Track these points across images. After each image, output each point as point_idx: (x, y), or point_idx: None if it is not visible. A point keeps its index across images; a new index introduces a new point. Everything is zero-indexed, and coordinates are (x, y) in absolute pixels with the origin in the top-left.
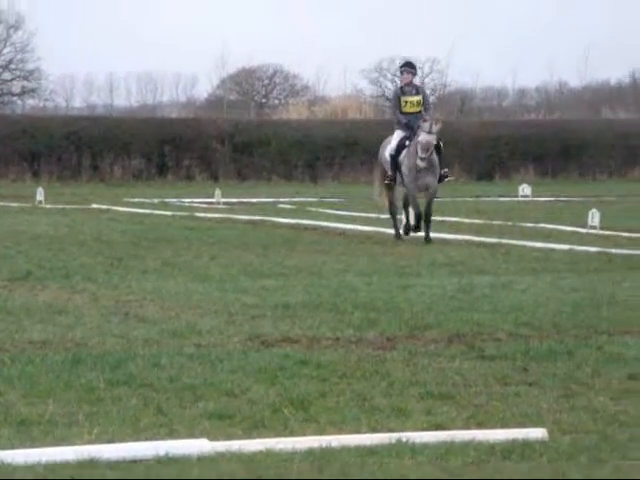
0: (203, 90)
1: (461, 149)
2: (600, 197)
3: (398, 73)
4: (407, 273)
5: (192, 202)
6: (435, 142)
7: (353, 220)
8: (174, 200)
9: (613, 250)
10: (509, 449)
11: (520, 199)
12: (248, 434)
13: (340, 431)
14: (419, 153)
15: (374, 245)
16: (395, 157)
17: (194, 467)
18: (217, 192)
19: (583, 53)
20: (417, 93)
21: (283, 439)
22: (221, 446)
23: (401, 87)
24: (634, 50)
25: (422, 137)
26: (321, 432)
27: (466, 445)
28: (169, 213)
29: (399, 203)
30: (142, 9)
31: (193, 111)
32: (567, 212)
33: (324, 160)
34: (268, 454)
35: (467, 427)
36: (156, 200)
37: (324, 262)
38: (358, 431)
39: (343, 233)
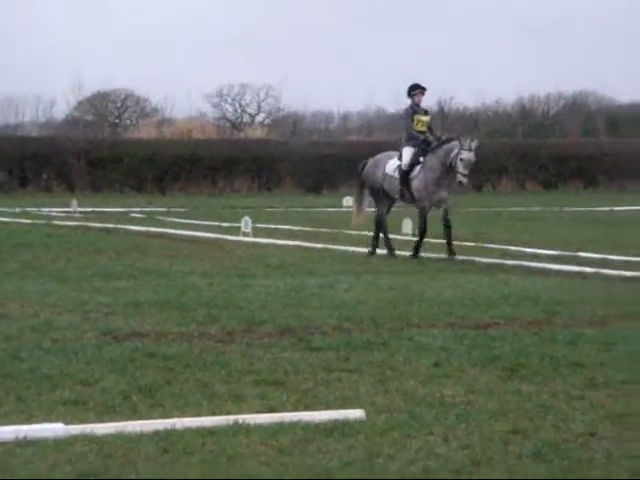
0: (61, 111)
1: (293, 165)
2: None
3: (408, 95)
4: (245, 275)
5: (50, 211)
6: (475, 159)
7: (197, 228)
8: (34, 209)
9: (424, 254)
10: (332, 428)
11: (344, 210)
12: (100, 418)
13: (183, 414)
14: (461, 170)
15: (216, 250)
16: (407, 173)
17: (50, 448)
18: (73, 202)
19: (398, 83)
20: (426, 114)
21: (132, 422)
22: (75, 429)
23: (412, 106)
24: (440, 83)
25: (465, 155)
26: (166, 416)
27: (295, 425)
28: (29, 221)
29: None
30: (5, 36)
31: (52, 131)
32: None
33: (171, 174)
34: (118, 436)
35: (296, 409)
36: (17, 209)
37: (171, 265)
38: (199, 414)
39: (188, 239)
